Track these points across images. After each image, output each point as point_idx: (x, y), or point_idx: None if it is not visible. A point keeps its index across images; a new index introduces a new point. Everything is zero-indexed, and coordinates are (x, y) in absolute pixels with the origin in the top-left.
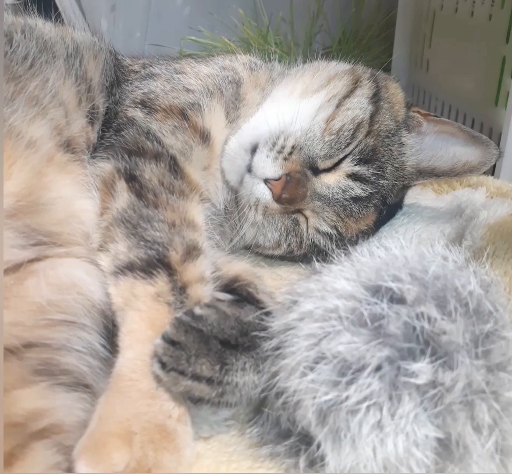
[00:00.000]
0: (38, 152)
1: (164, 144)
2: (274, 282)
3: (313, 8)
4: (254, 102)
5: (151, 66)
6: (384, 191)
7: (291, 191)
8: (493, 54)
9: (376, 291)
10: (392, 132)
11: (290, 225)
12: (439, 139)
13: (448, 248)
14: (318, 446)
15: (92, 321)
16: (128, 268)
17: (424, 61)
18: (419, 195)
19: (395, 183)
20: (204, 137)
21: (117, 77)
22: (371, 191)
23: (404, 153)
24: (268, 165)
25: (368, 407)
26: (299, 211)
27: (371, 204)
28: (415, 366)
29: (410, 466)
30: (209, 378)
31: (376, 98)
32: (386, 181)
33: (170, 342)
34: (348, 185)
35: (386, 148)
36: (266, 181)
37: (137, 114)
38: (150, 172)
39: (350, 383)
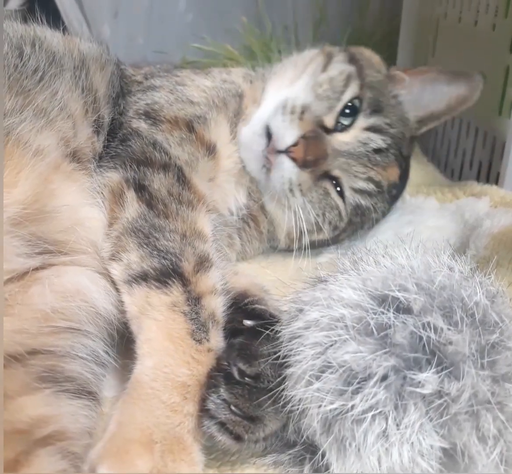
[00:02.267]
0: (45, 160)
1: (171, 155)
2: (278, 290)
3: (316, 16)
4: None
5: (152, 78)
6: (397, 140)
7: (313, 151)
8: (496, 63)
9: (382, 300)
10: (382, 83)
11: (323, 197)
12: (427, 87)
13: (454, 257)
14: (323, 455)
15: (96, 328)
16: (141, 277)
17: None
18: (422, 204)
19: (404, 133)
20: (210, 149)
21: (121, 88)
22: (389, 142)
23: (401, 104)
24: (287, 128)
25: (373, 417)
26: (327, 175)
27: (391, 154)
28: (421, 376)
29: None
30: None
31: (353, 61)
32: (395, 130)
33: (246, 417)
34: (368, 137)
35: (385, 99)
36: (288, 152)
37: (141, 125)
38: (158, 182)
39: (356, 392)
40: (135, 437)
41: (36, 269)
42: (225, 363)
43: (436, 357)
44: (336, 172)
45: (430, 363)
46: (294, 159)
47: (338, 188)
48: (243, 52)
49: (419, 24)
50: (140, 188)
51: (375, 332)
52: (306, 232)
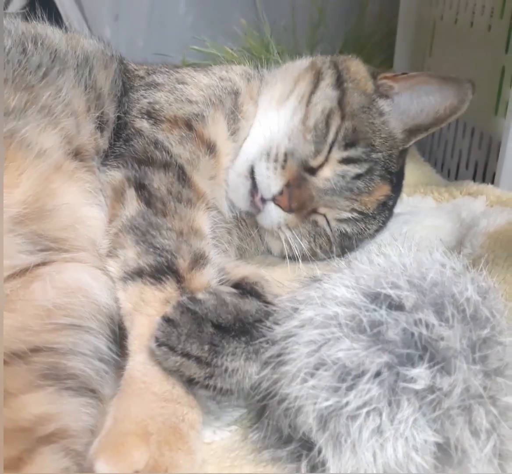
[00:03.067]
0: (47, 160)
1: (172, 154)
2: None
3: (314, 18)
4: (251, 114)
5: (154, 73)
6: (383, 162)
7: (298, 198)
8: (492, 63)
9: (375, 298)
10: (366, 106)
11: (312, 229)
12: (415, 92)
13: (447, 255)
14: (319, 452)
15: (98, 324)
16: (137, 274)
17: (425, 70)
18: (419, 204)
19: (391, 152)
20: (210, 147)
21: (124, 83)
22: (368, 166)
23: (388, 122)
24: (271, 178)
25: (367, 412)
26: (314, 211)
27: (375, 176)
28: (414, 372)
29: (410, 471)
30: (197, 357)
31: (339, 82)
32: (379, 154)
33: (167, 319)
34: (343, 169)
35: (367, 124)
36: (274, 200)
37: (144, 125)
38: (158, 181)
39: (350, 388)
40: (130, 430)
41: (38, 265)
42: None
43: (428, 352)
44: (321, 210)
45: (422, 358)
46: (280, 206)
47: (326, 219)
48: (242, 54)
49: (416, 25)
50: (140, 187)
51: (368, 329)
52: (299, 257)
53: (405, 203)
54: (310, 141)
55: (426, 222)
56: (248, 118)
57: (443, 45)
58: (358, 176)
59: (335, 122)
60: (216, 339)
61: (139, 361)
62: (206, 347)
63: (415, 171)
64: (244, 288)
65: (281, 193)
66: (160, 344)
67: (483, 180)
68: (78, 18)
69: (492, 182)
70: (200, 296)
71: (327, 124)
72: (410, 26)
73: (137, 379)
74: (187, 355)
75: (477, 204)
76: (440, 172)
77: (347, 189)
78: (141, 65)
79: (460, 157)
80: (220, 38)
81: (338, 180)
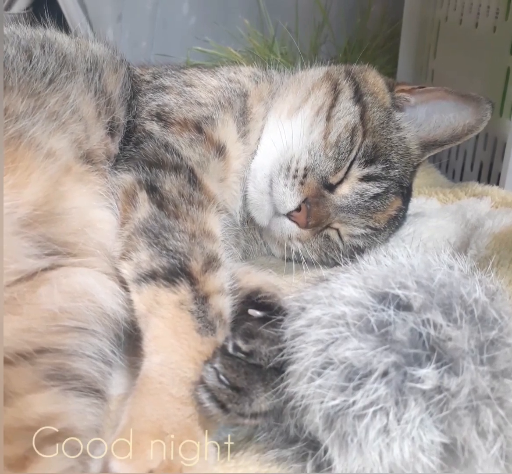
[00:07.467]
0: (57, 162)
1: (182, 157)
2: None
3: (318, 18)
4: (260, 116)
5: (161, 77)
6: (398, 179)
7: (315, 216)
8: (497, 65)
9: (383, 298)
10: (385, 121)
11: (324, 243)
12: (431, 106)
13: (454, 256)
14: (325, 451)
15: (103, 328)
16: (150, 276)
17: (429, 72)
18: (424, 205)
19: (406, 168)
20: (220, 150)
21: (132, 87)
22: (386, 185)
23: (405, 138)
24: (287, 195)
25: (374, 412)
26: (328, 226)
27: (391, 194)
28: (421, 372)
29: (416, 471)
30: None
31: (358, 95)
32: (396, 171)
33: (232, 387)
34: (363, 188)
35: (385, 140)
36: (289, 215)
37: (154, 127)
38: (170, 183)
39: (357, 388)
40: (145, 429)
41: (45, 269)
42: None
43: (436, 353)
44: (336, 225)
45: (430, 359)
46: (297, 223)
47: (338, 234)
48: (246, 55)
49: (420, 26)
50: (152, 190)
51: (376, 329)
52: (305, 262)
53: (410, 204)
54: (331, 157)
55: (431, 223)
56: (258, 121)
57: (447, 46)
58: (375, 196)
59: (358, 139)
60: (276, 383)
61: (155, 362)
62: (272, 398)
63: (420, 172)
64: (270, 307)
65: (298, 210)
66: (211, 399)
67: (488, 181)
68: (81, 18)
69: (497, 184)
70: (245, 346)
71: (352, 141)
72: (414, 27)
73: (153, 379)
74: (256, 415)
75: (482, 205)
76: (444, 173)
77: (363, 208)
78: (145, 70)
79: (465, 159)
80: (223, 39)
81: (356, 198)
